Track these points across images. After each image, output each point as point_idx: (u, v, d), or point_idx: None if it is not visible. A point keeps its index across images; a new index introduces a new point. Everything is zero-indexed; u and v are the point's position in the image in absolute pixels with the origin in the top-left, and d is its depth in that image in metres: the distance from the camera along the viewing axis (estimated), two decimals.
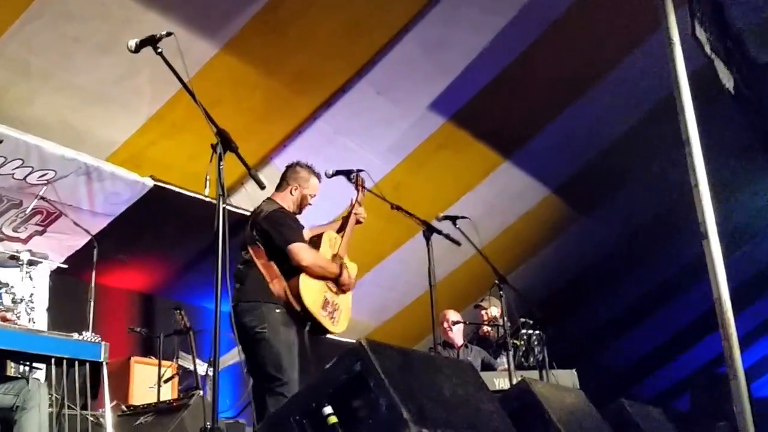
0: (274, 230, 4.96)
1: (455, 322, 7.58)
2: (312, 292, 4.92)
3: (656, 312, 13.28)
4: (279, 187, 5.33)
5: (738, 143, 8.43)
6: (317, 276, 5.01)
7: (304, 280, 4.88)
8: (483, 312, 7.87)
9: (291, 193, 5.27)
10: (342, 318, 5.14)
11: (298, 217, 5.31)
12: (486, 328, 7.77)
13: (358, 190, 5.52)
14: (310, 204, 5.37)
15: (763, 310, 13.88)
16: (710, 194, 5.28)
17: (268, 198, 5.23)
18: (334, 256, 5.22)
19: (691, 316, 12.84)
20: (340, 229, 5.41)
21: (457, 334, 7.52)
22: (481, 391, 3.79)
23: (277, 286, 4.91)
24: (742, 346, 5.09)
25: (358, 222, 5.45)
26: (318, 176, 5.39)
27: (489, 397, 3.83)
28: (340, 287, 5.18)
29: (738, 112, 7.57)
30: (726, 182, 6.33)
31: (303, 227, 5.27)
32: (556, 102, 8.66)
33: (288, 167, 5.42)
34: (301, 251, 4.90)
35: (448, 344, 7.44)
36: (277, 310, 4.86)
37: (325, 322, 4.97)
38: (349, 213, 5.43)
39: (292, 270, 4.90)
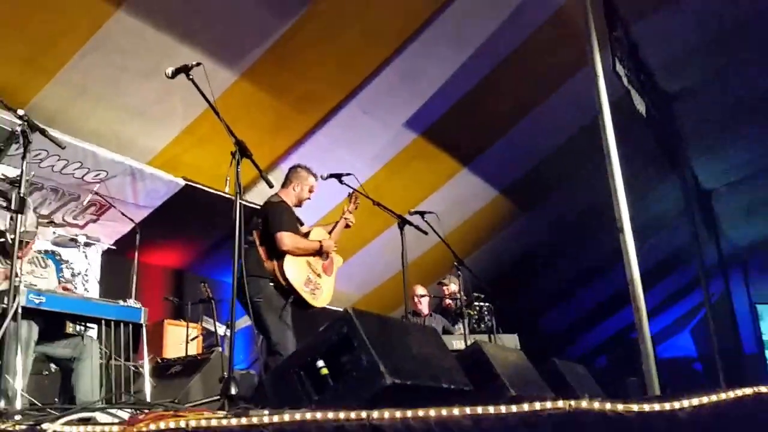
0: (270, 218, 4.93)
1: (422, 296, 7.58)
2: (295, 271, 4.86)
3: (581, 289, 13.31)
4: (283, 185, 5.28)
5: (648, 155, 8.47)
6: (299, 255, 4.95)
7: (288, 260, 4.85)
8: (444, 288, 7.87)
9: (293, 189, 5.23)
10: (323, 296, 5.07)
11: (299, 209, 5.27)
12: (447, 301, 7.78)
13: (350, 202, 5.49)
14: (309, 198, 5.32)
15: (665, 289, 13.96)
16: (625, 196, 5.29)
17: (275, 193, 5.18)
18: (322, 241, 5.16)
19: (608, 293, 12.88)
20: (332, 230, 5.37)
21: (423, 305, 7.51)
22: (442, 350, 3.81)
23: (269, 264, 4.87)
24: (648, 317, 5.11)
25: (347, 225, 5.42)
26: (315, 176, 5.36)
27: (448, 356, 3.84)
28: (322, 267, 5.14)
29: (648, 131, 7.61)
30: (638, 187, 6.36)
31: (298, 219, 5.24)
32: (505, 122, 8.65)
33: (290, 169, 5.39)
34: (283, 238, 4.85)
35: (416, 313, 7.43)
36: (271, 284, 4.84)
37: (307, 296, 4.90)
38: (341, 217, 5.41)
39: (280, 251, 4.86)
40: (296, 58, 6.74)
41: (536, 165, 9.54)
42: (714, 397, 2.17)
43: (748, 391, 2.22)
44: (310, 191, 5.32)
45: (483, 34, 7.26)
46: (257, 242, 4.93)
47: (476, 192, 9.75)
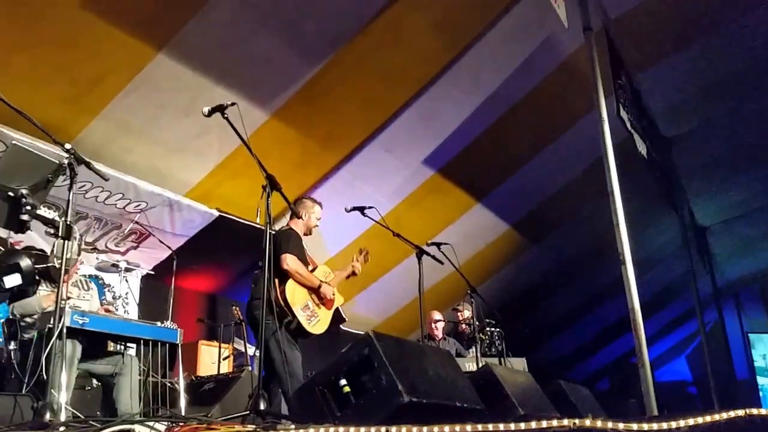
0: (279, 241, 4.82)
1: (437, 320, 7.53)
2: (295, 295, 4.75)
3: (585, 317, 13.21)
4: (291, 217, 5.18)
5: (648, 194, 8.43)
6: (298, 282, 4.82)
7: (290, 284, 4.75)
8: (459, 313, 7.83)
9: (302, 219, 5.13)
10: (319, 324, 4.86)
11: (308, 236, 5.19)
12: (463, 326, 7.72)
13: (360, 254, 5.40)
14: (317, 225, 5.24)
15: (663, 317, 13.81)
16: (627, 231, 5.26)
17: (286, 224, 5.16)
18: (323, 282, 5.02)
19: (610, 320, 12.76)
20: (337, 273, 5.28)
21: (438, 330, 7.46)
22: (456, 371, 3.76)
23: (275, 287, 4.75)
24: (648, 344, 5.05)
25: (353, 273, 5.31)
26: (320, 204, 5.28)
27: (462, 377, 3.79)
28: (321, 300, 4.98)
29: (649, 172, 7.57)
30: (638, 223, 6.33)
31: (303, 248, 5.09)
32: (516, 161, 8.66)
33: (296, 201, 5.26)
34: (287, 258, 4.75)
35: (431, 337, 7.37)
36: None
37: (302, 320, 4.73)
38: (350, 265, 5.31)
39: (282, 272, 4.75)
40: (323, 100, 6.79)
41: (545, 201, 9.52)
42: (708, 418, 2.14)
43: (740, 412, 2.19)
44: (318, 219, 5.24)
45: (497, 80, 7.30)
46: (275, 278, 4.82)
47: (488, 225, 9.72)
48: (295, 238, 4.97)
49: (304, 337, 4.84)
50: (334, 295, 5.04)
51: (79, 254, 4.63)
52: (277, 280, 4.71)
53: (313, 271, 5.04)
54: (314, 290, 4.91)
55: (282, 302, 4.68)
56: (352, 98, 6.95)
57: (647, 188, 8.18)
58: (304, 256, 5.03)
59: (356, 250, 5.49)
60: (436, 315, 7.52)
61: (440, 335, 7.46)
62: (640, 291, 5.16)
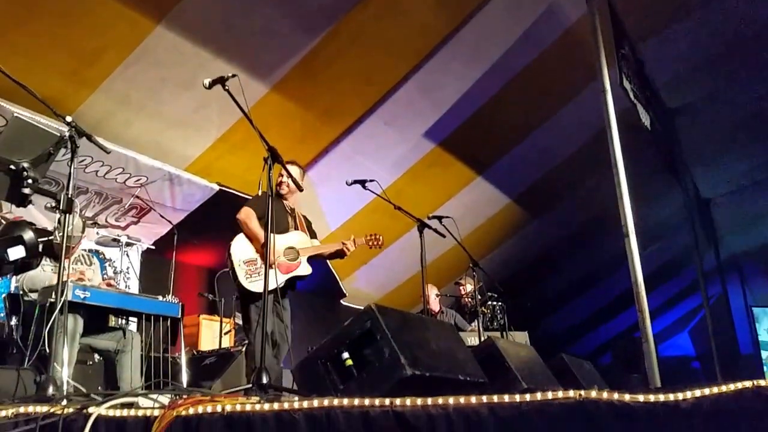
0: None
1: (437, 295, 7.59)
2: (243, 247, 4.76)
3: (588, 291, 13.25)
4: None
5: (651, 165, 8.40)
6: (245, 234, 4.82)
7: (241, 236, 4.81)
8: (461, 287, 7.87)
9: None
10: (259, 284, 4.54)
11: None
12: (465, 299, 7.76)
13: (367, 241, 5.34)
14: (282, 183, 5.13)
15: (666, 291, 13.85)
16: (630, 203, 5.25)
17: None
18: (290, 248, 4.92)
19: (613, 294, 12.80)
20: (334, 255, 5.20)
21: (434, 303, 7.50)
22: (459, 345, 3.79)
23: None
24: (651, 318, 5.06)
25: (341, 253, 5.21)
26: (294, 163, 5.17)
27: (464, 349, 3.82)
28: (290, 259, 4.86)
29: (652, 143, 7.55)
30: (642, 195, 6.31)
31: (281, 210, 5.06)
32: (517, 133, 8.63)
33: None
34: (243, 210, 4.83)
35: (429, 311, 7.42)
36: None
37: (240, 273, 4.66)
38: (343, 242, 5.20)
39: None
40: (323, 73, 6.77)
41: (546, 174, 9.51)
42: (715, 389, 2.16)
43: (748, 384, 2.20)
44: (280, 175, 5.12)
45: (497, 52, 7.25)
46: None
47: (490, 199, 9.72)
48: (263, 199, 4.67)
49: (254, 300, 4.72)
50: (278, 260, 4.81)
51: (83, 231, 4.64)
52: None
53: (282, 233, 4.92)
54: (258, 248, 4.77)
55: (227, 250, 4.72)
56: (352, 71, 6.91)
57: (650, 160, 8.15)
58: (280, 217, 4.92)
59: (357, 224, 5.49)
60: (433, 289, 7.56)
61: (437, 309, 7.51)
62: (643, 265, 5.16)
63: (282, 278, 4.81)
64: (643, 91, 7.04)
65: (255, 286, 4.69)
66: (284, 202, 5.13)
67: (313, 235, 5.30)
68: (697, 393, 2.11)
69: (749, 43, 7.93)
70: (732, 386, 2.18)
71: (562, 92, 8.05)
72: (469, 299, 7.59)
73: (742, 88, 8.82)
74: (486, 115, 7.95)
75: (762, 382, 2.21)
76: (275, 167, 4.90)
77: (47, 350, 3.42)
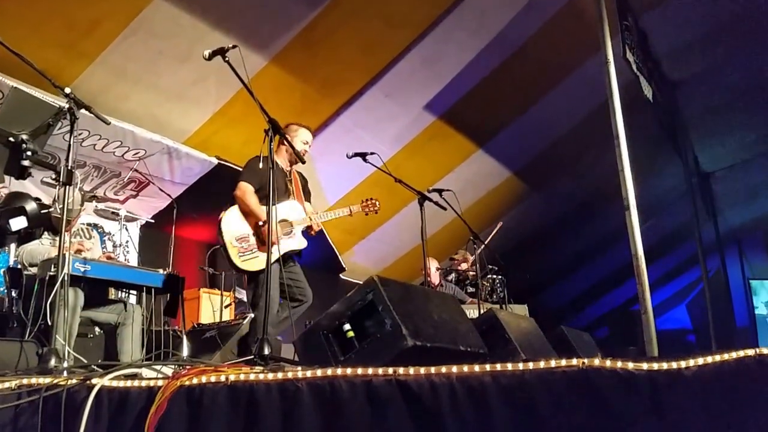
0: (243, 170, 4.75)
1: (438, 268, 7.61)
2: (235, 223, 4.54)
3: (587, 264, 13.30)
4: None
5: (653, 138, 8.38)
6: (243, 211, 4.59)
7: (232, 210, 4.60)
8: (454, 262, 7.91)
9: (283, 146, 4.83)
10: (254, 262, 4.49)
11: (304, 166, 4.83)
12: (471, 273, 7.78)
13: (364, 206, 5.17)
14: (306, 151, 4.87)
15: (664, 265, 13.90)
16: (632, 176, 5.24)
17: None
18: (283, 221, 4.68)
19: (612, 267, 12.85)
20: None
21: (435, 277, 7.52)
22: (460, 316, 3.80)
23: None
24: (649, 291, 5.07)
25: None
26: (306, 128, 4.98)
27: (465, 321, 3.83)
28: (286, 234, 4.66)
29: (654, 115, 7.52)
30: (643, 168, 6.30)
31: (281, 178, 4.81)
32: (518, 106, 8.59)
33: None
34: (239, 186, 4.59)
35: (429, 284, 7.44)
36: None
37: (231, 251, 4.47)
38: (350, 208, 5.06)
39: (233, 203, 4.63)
40: (322, 44, 6.71)
41: (547, 147, 9.49)
42: (717, 357, 2.18)
43: (750, 352, 2.22)
44: (304, 142, 4.91)
45: (500, 23, 7.19)
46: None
47: (490, 172, 9.71)
48: (254, 165, 4.59)
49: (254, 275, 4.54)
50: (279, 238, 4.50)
51: (82, 204, 4.64)
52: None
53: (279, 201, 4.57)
54: (255, 225, 4.57)
55: (218, 227, 4.53)
56: (352, 42, 6.86)
57: (652, 133, 8.13)
58: (281, 186, 4.72)
59: (356, 197, 5.47)
60: (433, 262, 7.59)
61: (436, 282, 7.53)
62: (642, 238, 5.16)
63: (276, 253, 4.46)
64: (646, 62, 7.00)
65: (249, 264, 4.50)
66: (280, 165, 4.88)
67: (307, 196, 5.07)
68: (700, 361, 2.13)
69: (752, 15, 7.86)
70: (734, 354, 2.21)
71: (564, 64, 7.99)
72: (470, 271, 7.61)
73: (745, 60, 8.77)
74: (488, 87, 7.91)
75: (764, 350, 2.23)
76: (300, 131, 4.86)
77: (48, 323, 3.44)
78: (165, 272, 4.69)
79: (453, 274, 7.88)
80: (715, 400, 2.08)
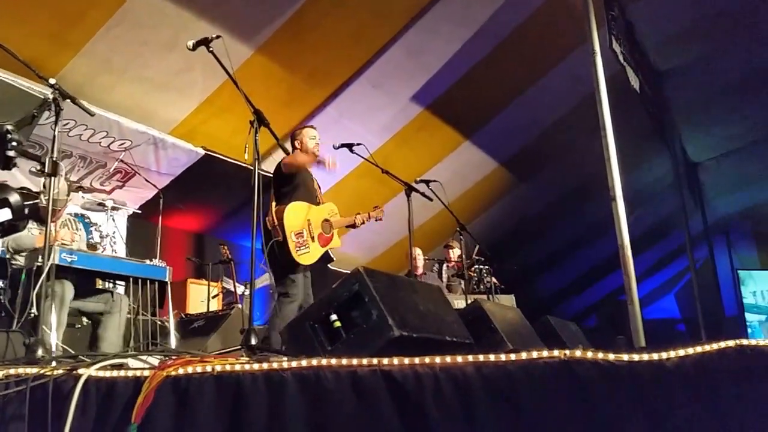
0: (274, 174, 4.92)
1: (427, 259, 7.66)
2: (293, 219, 4.66)
3: (574, 254, 13.36)
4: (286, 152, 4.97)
5: (640, 129, 8.43)
6: (301, 162, 4.84)
7: (292, 206, 4.71)
8: (450, 250, 7.95)
9: (297, 148, 5.08)
10: (307, 256, 4.70)
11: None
12: (453, 262, 7.84)
13: (372, 213, 5.40)
14: (316, 148, 5.09)
15: (653, 255, 14.00)
16: (618, 167, 5.28)
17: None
18: (326, 221, 4.98)
19: (599, 258, 12.93)
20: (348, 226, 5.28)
21: (419, 266, 7.57)
22: (446, 306, 3.82)
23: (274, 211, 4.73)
24: (638, 280, 5.12)
25: (353, 225, 5.30)
26: (311, 127, 5.21)
27: (451, 311, 3.86)
28: (326, 232, 4.93)
29: (641, 106, 7.56)
30: (630, 159, 6.34)
31: (309, 178, 5.09)
32: (505, 97, 8.61)
33: (292, 135, 5.24)
34: (289, 156, 4.79)
35: (413, 273, 7.49)
36: None
37: (291, 245, 4.59)
38: (358, 215, 5.30)
39: (286, 199, 4.76)
40: (309, 34, 6.70)
41: (534, 138, 9.52)
42: (699, 349, 2.21)
43: (731, 343, 2.26)
44: (312, 138, 5.12)
45: (486, 13, 7.20)
46: (271, 201, 4.83)
47: (477, 163, 9.75)
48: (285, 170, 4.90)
49: (293, 271, 4.74)
50: (318, 233, 4.89)
51: (68, 194, 4.63)
52: (276, 204, 4.74)
53: (314, 203, 5.00)
54: (315, 163, 4.94)
55: (276, 221, 4.63)
56: (339, 32, 6.86)
57: (639, 124, 8.19)
58: (310, 187, 5.01)
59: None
60: (418, 252, 7.63)
61: (420, 271, 7.58)
62: (630, 228, 5.21)
63: (321, 251, 4.88)
64: (633, 53, 7.03)
65: (304, 258, 4.70)
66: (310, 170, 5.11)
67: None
68: (681, 352, 2.16)
69: (739, 6, 7.91)
70: (715, 345, 2.24)
71: (551, 55, 8.02)
72: (458, 262, 7.66)
73: (732, 51, 8.82)
74: (474, 78, 7.93)
75: (744, 341, 2.27)
76: (305, 131, 5.09)
77: (36, 313, 3.45)
78: (152, 263, 4.71)
79: (442, 266, 7.92)
80: (697, 391, 2.12)
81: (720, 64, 9.03)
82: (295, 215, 4.73)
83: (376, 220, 5.45)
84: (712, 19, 8.02)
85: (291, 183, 4.88)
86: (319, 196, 5.18)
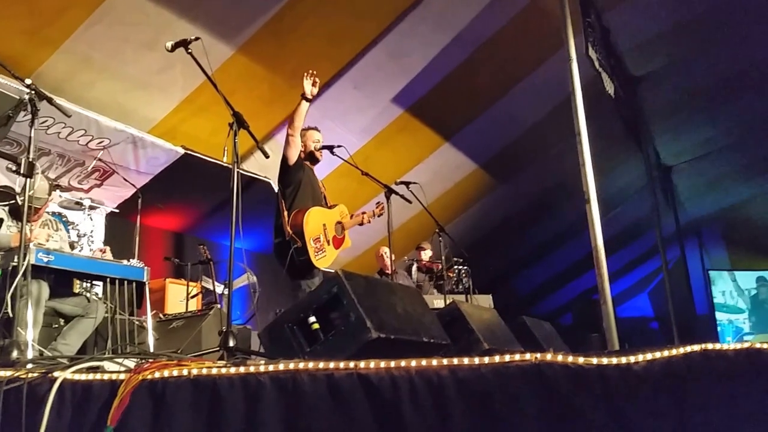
0: (280, 170, 4.95)
1: (386, 254, 7.65)
2: (311, 224, 4.73)
3: (549, 254, 13.46)
4: None
5: (614, 134, 8.52)
6: (298, 124, 4.86)
7: (312, 212, 4.76)
8: (422, 252, 7.98)
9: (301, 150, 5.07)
10: (324, 259, 4.81)
11: (318, 165, 5.21)
12: (432, 264, 7.85)
13: (376, 211, 5.48)
14: (318, 147, 5.14)
15: (626, 255, 14.15)
16: (592, 171, 5.33)
17: None
18: (339, 223, 5.07)
19: (574, 257, 13.02)
20: (353, 216, 5.33)
21: (389, 264, 7.56)
22: (423, 308, 3.84)
23: (289, 218, 4.78)
24: (610, 280, 5.17)
25: (361, 223, 5.34)
26: (314, 128, 5.23)
27: (429, 313, 3.87)
28: (339, 234, 5.00)
29: (616, 111, 7.64)
30: (604, 162, 6.41)
31: (314, 180, 5.14)
32: (484, 100, 8.65)
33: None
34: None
35: (384, 272, 7.49)
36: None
37: (310, 250, 4.67)
38: (365, 213, 5.38)
39: (304, 205, 4.81)
40: (290, 34, 6.68)
41: (513, 140, 9.57)
42: (666, 353, 2.24)
43: (696, 347, 2.29)
44: (315, 141, 5.15)
45: (466, 17, 7.23)
46: (283, 207, 4.85)
47: (457, 165, 9.78)
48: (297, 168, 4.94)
49: (310, 276, 4.82)
50: (332, 235, 4.99)
51: (49, 193, 4.57)
52: (288, 209, 4.78)
53: (331, 207, 5.10)
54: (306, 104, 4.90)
55: (296, 227, 4.68)
56: (320, 33, 6.85)
57: (614, 128, 8.27)
58: (315, 186, 5.05)
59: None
60: (387, 250, 7.63)
61: (389, 269, 7.58)
62: (605, 229, 5.25)
63: (335, 253, 4.98)
64: (608, 59, 7.09)
65: (321, 262, 4.78)
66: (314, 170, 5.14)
67: None
68: (649, 356, 2.19)
69: (712, 14, 8.02)
70: (681, 350, 2.27)
71: (528, 60, 8.08)
72: (429, 263, 7.70)
73: (705, 57, 8.95)
74: (454, 81, 7.96)
75: (709, 346, 2.31)
76: (309, 133, 5.14)
77: (11, 314, 3.40)
78: (130, 263, 4.66)
79: (412, 267, 7.92)
80: (664, 395, 2.14)
81: (693, 71, 9.17)
82: (314, 221, 4.79)
83: (378, 216, 5.51)
84: (685, 27, 8.14)
85: (294, 182, 4.91)
86: (325, 195, 5.21)
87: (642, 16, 7.80)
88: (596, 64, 6.15)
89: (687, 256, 13.62)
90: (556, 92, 7.42)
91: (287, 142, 4.90)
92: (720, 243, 15.86)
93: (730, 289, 15.20)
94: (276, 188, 5.04)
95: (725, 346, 2.36)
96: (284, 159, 4.94)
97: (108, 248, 4.84)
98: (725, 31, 8.40)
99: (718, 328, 14.59)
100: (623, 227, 12.59)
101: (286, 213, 4.77)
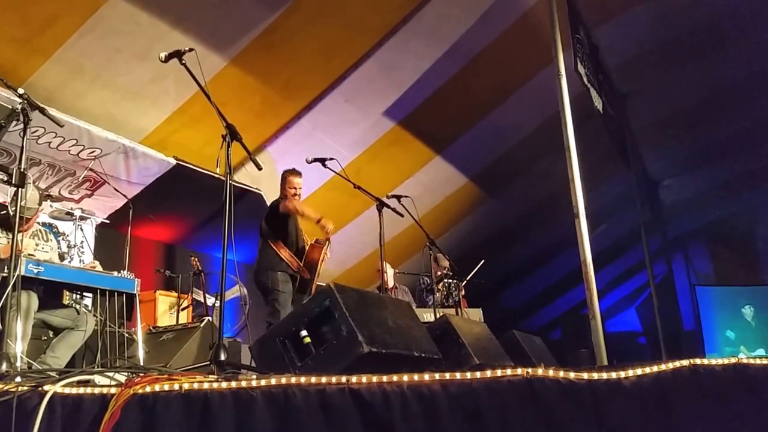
0: (268, 211, 5.35)
1: (397, 272, 7.65)
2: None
3: (539, 269, 13.48)
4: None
5: (602, 149, 8.57)
6: (302, 215, 5.40)
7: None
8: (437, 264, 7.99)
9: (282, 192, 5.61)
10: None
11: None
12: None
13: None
14: (295, 195, 5.59)
15: (614, 270, 14.20)
16: (581, 186, 5.35)
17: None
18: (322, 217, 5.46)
19: (563, 272, 13.06)
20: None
21: (389, 280, 7.55)
22: (414, 322, 3.84)
23: (283, 252, 5.31)
24: (599, 295, 5.18)
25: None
26: (292, 172, 5.67)
27: (420, 327, 3.88)
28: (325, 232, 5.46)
29: (604, 126, 7.70)
30: (592, 177, 6.43)
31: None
32: (474, 115, 8.68)
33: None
34: (287, 203, 5.31)
35: (384, 288, 7.47)
36: (279, 273, 5.33)
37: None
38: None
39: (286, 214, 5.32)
40: (282, 47, 6.69)
41: (503, 155, 9.60)
42: (655, 368, 2.26)
43: (684, 362, 2.31)
44: (292, 187, 5.58)
45: (457, 32, 7.27)
46: (271, 240, 5.33)
47: (448, 178, 9.79)
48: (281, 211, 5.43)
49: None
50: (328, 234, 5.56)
51: (40, 203, 4.54)
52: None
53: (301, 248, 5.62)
54: (317, 221, 5.42)
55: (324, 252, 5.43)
56: (312, 46, 6.85)
57: (602, 144, 8.33)
58: (299, 230, 5.53)
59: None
60: (388, 266, 7.62)
61: (391, 285, 7.56)
62: (593, 244, 5.27)
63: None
64: (597, 75, 7.16)
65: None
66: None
67: None
68: (638, 371, 2.20)
69: (700, 31, 8.13)
70: (671, 364, 2.29)
71: (518, 75, 8.13)
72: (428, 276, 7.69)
73: (691, 74, 9.05)
74: (445, 95, 7.99)
75: (697, 361, 2.33)
76: (289, 178, 5.55)
77: (0, 326, 3.36)
78: (120, 275, 4.63)
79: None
80: (653, 409, 2.15)
81: (679, 87, 9.27)
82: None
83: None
84: (672, 44, 8.24)
85: (283, 227, 5.47)
86: (304, 240, 5.67)
87: (629, 33, 7.89)
88: (584, 79, 6.21)
89: (674, 272, 13.70)
90: (545, 106, 7.48)
91: (285, 207, 5.38)
92: (706, 258, 15.95)
93: (716, 304, 15.25)
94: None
95: (713, 361, 2.39)
96: (276, 207, 5.40)
97: (98, 262, 4.80)
98: (708, 49, 8.51)
99: (705, 344, 14.63)
100: (611, 242, 12.65)
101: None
